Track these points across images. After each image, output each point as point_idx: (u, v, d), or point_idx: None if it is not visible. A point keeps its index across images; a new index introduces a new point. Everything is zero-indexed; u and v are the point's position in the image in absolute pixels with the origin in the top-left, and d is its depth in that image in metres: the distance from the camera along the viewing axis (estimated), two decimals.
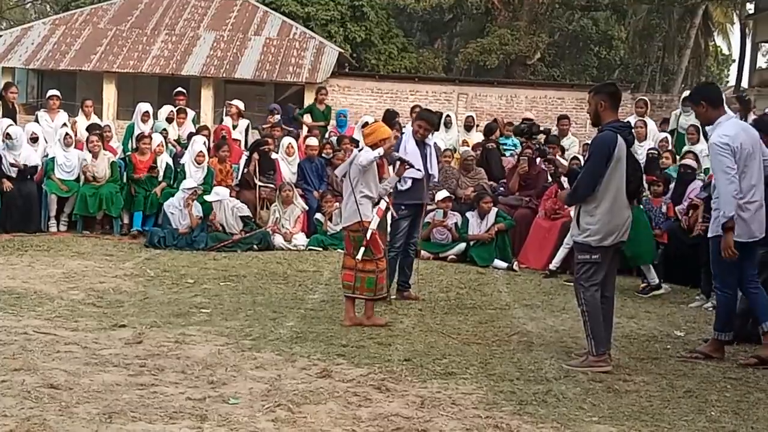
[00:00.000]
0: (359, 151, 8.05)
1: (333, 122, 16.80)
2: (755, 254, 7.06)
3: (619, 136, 6.56)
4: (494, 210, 11.98)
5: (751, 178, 6.87)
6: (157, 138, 13.36)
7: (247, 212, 12.52)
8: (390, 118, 14.22)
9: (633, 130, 13.27)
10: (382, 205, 7.94)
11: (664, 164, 12.27)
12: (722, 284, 7.02)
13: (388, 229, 8.97)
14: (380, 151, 7.80)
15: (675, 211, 10.92)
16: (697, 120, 7.36)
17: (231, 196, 12.61)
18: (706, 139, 13.13)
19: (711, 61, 49.61)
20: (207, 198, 12.35)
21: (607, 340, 6.65)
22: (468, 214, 12.08)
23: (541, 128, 13.30)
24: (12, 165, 12.23)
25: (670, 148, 13.19)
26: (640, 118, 14.11)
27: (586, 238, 6.60)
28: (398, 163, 8.29)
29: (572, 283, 10.27)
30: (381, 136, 7.92)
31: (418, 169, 8.81)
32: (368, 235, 7.62)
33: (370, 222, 7.69)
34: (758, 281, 7.06)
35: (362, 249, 7.64)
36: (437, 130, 11.77)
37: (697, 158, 11.75)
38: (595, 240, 6.56)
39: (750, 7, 39.51)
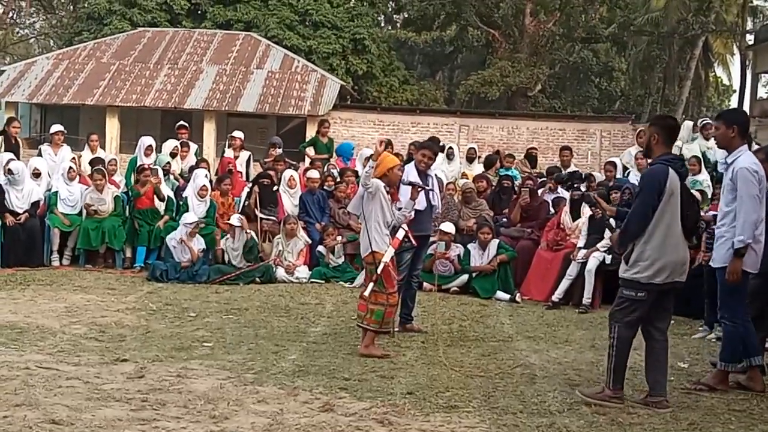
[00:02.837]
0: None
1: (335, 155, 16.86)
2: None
3: (671, 169, 6.32)
4: (495, 241, 11.98)
5: (763, 212, 6.86)
6: (155, 171, 13.36)
7: (253, 235, 12.54)
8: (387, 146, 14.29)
9: (636, 161, 13.45)
10: (399, 234, 7.93)
11: None
12: (732, 314, 6.94)
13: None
14: (370, 163, 7.95)
15: None
16: (716, 141, 7.21)
17: None
18: (707, 170, 13.27)
19: (712, 92, 49.77)
20: (230, 221, 12.41)
21: (662, 386, 6.49)
22: (470, 246, 12.09)
23: (582, 175, 13.39)
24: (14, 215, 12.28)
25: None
26: (641, 149, 14.13)
27: (635, 275, 6.34)
28: (403, 187, 8.35)
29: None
30: (388, 165, 8.04)
31: (431, 189, 8.89)
32: (380, 269, 7.62)
33: (383, 253, 7.69)
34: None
35: (370, 285, 7.64)
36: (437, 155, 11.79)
37: (703, 192, 11.77)
38: (644, 277, 6.30)
39: (750, 38, 39.75)
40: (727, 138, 6.97)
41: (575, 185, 12.87)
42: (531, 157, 16.44)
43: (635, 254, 6.34)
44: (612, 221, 11.25)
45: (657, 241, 6.27)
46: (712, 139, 14.20)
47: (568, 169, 14.74)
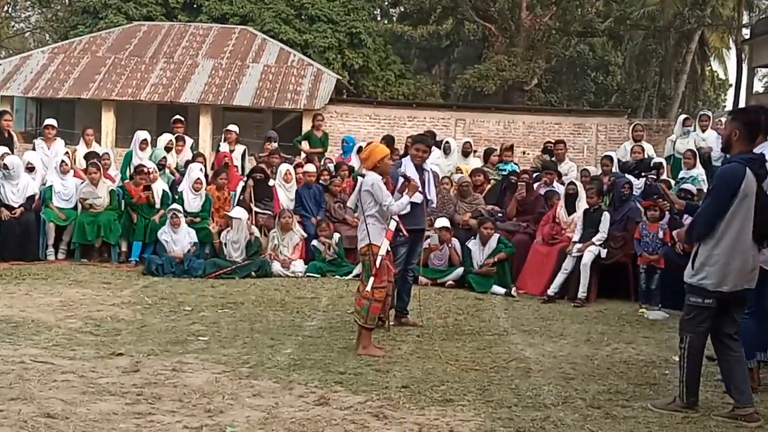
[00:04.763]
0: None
1: (338, 149, 16.86)
2: None
3: (748, 169, 5.94)
4: (495, 236, 11.94)
5: None
6: (150, 166, 13.33)
7: (257, 234, 12.54)
8: (389, 142, 14.30)
9: (633, 155, 13.35)
10: (392, 225, 7.90)
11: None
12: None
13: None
14: (407, 198, 7.96)
15: (672, 235, 10.92)
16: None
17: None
18: (703, 165, 13.23)
19: (708, 86, 49.84)
20: (230, 213, 12.43)
21: (749, 396, 6.04)
22: (470, 244, 12.03)
23: (651, 163, 13.14)
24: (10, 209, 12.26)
25: (664, 176, 13.08)
26: (638, 144, 14.13)
27: (701, 281, 5.99)
28: (402, 180, 8.32)
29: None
30: (379, 155, 7.92)
31: (418, 188, 8.84)
32: (378, 262, 7.60)
33: (379, 246, 7.66)
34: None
35: (371, 279, 7.63)
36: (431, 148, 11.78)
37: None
38: (711, 284, 5.95)
39: (746, 32, 39.74)
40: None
41: (644, 174, 12.65)
42: (549, 151, 16.33)
43: (702, 257, 6.01)
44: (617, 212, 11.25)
45: (726, 245, 5.92)
46: (708, 131, 14.22)
47: (563, 163, 14.70)
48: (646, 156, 13.85)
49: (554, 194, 12.55)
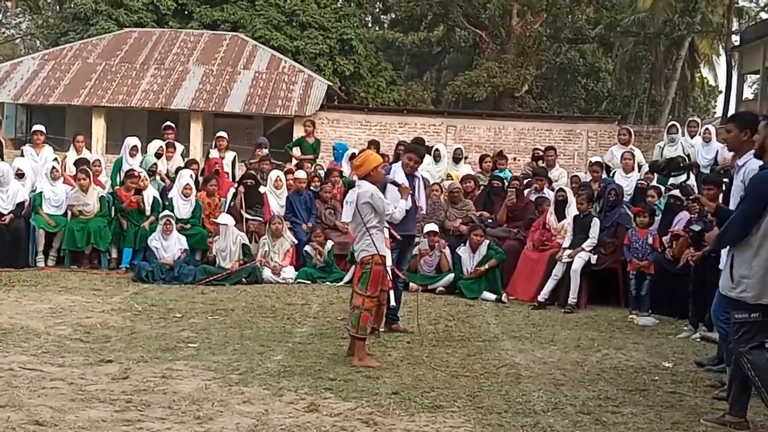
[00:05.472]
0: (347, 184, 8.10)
1: (330, 156, 16.83)
2: None
3: None
4: (486, 242, 11.94)
5: None
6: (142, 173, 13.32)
7: (246, 241, 12.53)
8: (376, 148, 14.33)
9: (624, 161, 13.39)
10: (386, 233, 7.94)
11: (650, 202, 12.07)
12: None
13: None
14: (405, 203, 8.14)
15: (661, 241, 10.95)
16: (727, 143, 6.72)
17: None
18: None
19: (698, 93, 50.04)
20: (216, 220, 12.44)
21: (743, 407, 5.94)
22: (460, 251, 12.04)
23: (682, 164, 12.94)
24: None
25: (654, 183, 13.08)
26: (628, 150, 14.13)
27: (741, 294, 5.79)
28: (390, 186, 8.35)
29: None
30: (373, 164, 7.90)
31: (411, 193, 8.84)
32: (389, 272, 7.70)
33: (384, 256, 7.70)
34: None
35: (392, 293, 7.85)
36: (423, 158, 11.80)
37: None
38: (751, 297, 5.75)
39: (736, 39, 39.91)
40: (739, 140, 6.58)
41: (673, 174, 12.46)
42: (537, 158, 16.32)
43: (740, 270, 5.82)
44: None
45: (765, 256, 5.74)
46: (697, 137, 14.26)
47: (554, 169, 14.71)
48: (650, 158, 13.83)
49: (544, 200, 12.57)
